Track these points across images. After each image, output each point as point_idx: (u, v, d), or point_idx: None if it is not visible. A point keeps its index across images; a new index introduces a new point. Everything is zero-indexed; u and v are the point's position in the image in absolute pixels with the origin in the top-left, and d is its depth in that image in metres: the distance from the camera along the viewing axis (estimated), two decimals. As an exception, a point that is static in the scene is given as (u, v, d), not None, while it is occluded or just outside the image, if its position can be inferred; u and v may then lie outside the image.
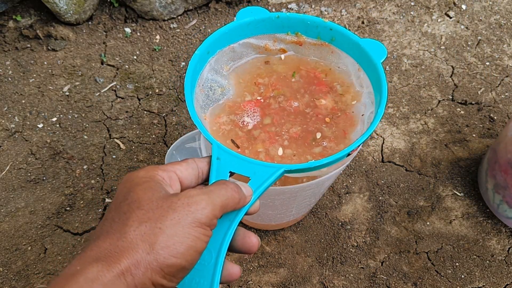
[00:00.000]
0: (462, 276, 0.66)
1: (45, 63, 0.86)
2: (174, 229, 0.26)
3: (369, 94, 0.47)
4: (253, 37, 0.49)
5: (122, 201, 0.27)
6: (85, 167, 0.75)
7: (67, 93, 0.83)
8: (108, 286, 0.23)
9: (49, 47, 0.88)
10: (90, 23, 0.91)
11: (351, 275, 0.65)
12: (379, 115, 0.40)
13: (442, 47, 0.90)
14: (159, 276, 0.25)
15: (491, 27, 0.93)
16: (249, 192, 0.32)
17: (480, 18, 0.94)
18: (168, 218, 0.26)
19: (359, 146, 0.38)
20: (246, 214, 0.32)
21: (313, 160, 0.36)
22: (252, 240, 0.32)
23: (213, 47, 0.45)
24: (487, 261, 0.67)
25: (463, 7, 0.96)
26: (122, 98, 0.83)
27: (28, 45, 0.88)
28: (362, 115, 0.46)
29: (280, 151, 0.44)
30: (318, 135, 0.45)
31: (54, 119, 0.80)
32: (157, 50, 0.89)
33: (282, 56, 0.50)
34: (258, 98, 0.48)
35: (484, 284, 0.65)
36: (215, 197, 0.28)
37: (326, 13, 0.94)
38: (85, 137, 0.78)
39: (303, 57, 0.50)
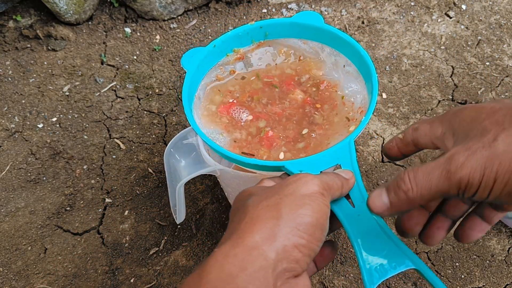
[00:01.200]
0: (462, 276, 0.66)
1: (45, 63, 0.86)
2: (291, 197, 0.29)
3: (339, 65, 0.48)
4: (205, 76, 0.50)
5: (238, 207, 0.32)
6: (85, 167, 0.75)
7: (67, 93, 0.83)
8: (251, 257, 0.26)
9: (49, 47, 0.88)
10: (90, 23, 0.91)
11: (351, 275, 0.65)
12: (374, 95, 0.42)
13: (442, 47, 0.90)
14: (297, 237, 0.27)
15: (491, 27, 0.93)
16: (349, 174, 0.34)
17: (480, 18, 0.94)
18: (284, 191, 0.29)
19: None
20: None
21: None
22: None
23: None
24: (487, 261, 0.67)
25: (463, 7, 0.96)
26: (122, 98, 0.83)
27: (28, 45, 0.88)
28: (342, 97, 0.47)
29: (282, 155, 0.45)
30: (305, 131, 0.46)
31: (54, 119, 0.80)
32: (157, 50, 0.89)
33: (232, 77, 0.51)
34: (231, 100, 0.48)
35: (484, 284, 0.65)
36: (319, 177, 0.31)
37: (326, 13, 0.94)
38: (85, 137, 0.78)
39: (253, 69, 0.51)
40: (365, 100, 0.46)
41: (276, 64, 0.51)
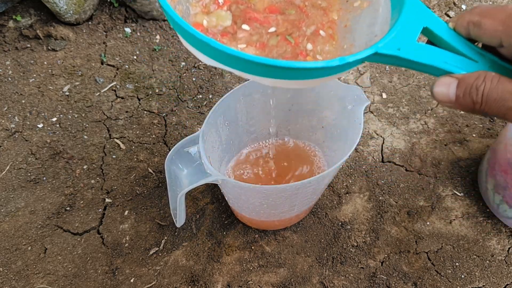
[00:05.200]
0: (462, 276, 0.66)
1: (45, 63, 0.86)
2: None
3: None
4: None
5: None
6: (85, 167, 0.75)
7: (67, 93, 0.83)
8: None
9: (49, 47, 0.88)
10: (90, 23, 0.91)
11: (351, 275, 0.65)
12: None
13: (442, 47, 0.90)
14: None
15: (491, 27, 0.93)
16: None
17: (480, 18, 0.94)
18: None
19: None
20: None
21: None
22: None
23: None
24: (487, 261, 0.67)
25: (463, 7, 0.96)
26: (122, 98, 0.83)
27: (28, 45, 0.88)
28: None
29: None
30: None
31: (54, 119, 0.80)
32: (157, 50, 0.89)
33: None
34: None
35: (484, 284, 0.65)
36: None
37: (326, 13, 0.95)
38: (85, 137, 0.78)
39: None
40: None
41: None
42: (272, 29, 0.37)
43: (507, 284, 0.65)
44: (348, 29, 0.37)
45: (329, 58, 0.33)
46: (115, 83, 0.85)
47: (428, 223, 0.70)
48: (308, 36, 0.36)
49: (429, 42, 0.34)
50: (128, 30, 0.91)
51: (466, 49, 0.31)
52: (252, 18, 0.37)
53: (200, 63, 0.87)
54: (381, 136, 0.79)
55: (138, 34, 0.91)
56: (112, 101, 0.82)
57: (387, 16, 0.34)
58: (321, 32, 0.37)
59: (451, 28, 0.32)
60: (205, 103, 0.83)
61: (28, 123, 0.79)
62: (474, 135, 0.79)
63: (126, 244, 0.68)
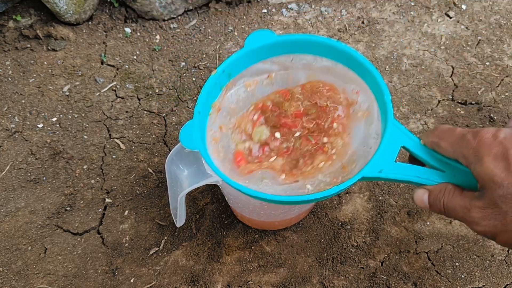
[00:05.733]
0: (462, 276, 0.66)
1: (45, 63, 0.86)
2: None
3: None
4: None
5: None
6: (85, 167, 0.75)
7: (67, 93, 0.83)
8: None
9: (49, 47, 0.88)
10: (90, 23, 0.91)
11: (351, 275, 0.65)
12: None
13: (442, 47, 0.90)
14: None
15: (491, 27, 0.93)
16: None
17: (480, 18, 0.94)
18: None
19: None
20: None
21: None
22: None
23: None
24: (487, 261, 0.67)
25: (463, 7, 0.96)
26: (122, 98, 0.83)
27: (28, 45, 0.88)
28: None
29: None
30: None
31: (54, 119, 0.80)
32: (157, 50, 0.89)
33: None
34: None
35: (484, 284, 0.65)
36: None
37: (326, 13, 0.94)
38: (85, 137, 0.78)
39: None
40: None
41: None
42: (297, 134, 0.47)
43: (507, 284, 0.66)
44: (350, 136, 0.46)
45: (339, 153, 0.45)
46: (115, 83, 0.85)
47: (428, 223, 0.70)
48: (325, 129, 0.46)
49: (410, 156, 0.43)
50: (128, 30, 0.91)
51: (435, 161, 0.40)
52: (283, 124, 0.47)
53: (200, 63, 0.87)
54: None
55: (138, 34, 0.91)
56: (112, 101, 0.82)
57: (378, 133, 0.44)
58: (335, 124, 0.46)
59: (423, 144, 0.40)
60: (205, 103, 0.83)
61: (28, 123, 0.79)
62: (474, 135, 0.79)
63: (126, 244, 0.68)
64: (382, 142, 0.41)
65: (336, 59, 0.48)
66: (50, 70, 0.86)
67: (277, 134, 0.48)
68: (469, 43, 0.91)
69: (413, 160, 0.43)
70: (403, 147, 0.41)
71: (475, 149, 0.34)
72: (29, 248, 0.67)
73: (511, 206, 0.31)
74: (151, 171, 0.74)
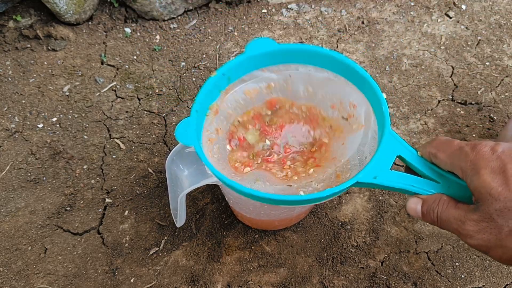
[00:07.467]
0: (462, 276, 0.66)
1: (45, 63, 0.86)
2: None
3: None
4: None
5: None
6: (85, 167, 0.75)
7: (67, 93, 0.83)
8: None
9: (49, 47, 0.88)
10: (90, 23, 0.91)
11: (351, 275, 0.65)
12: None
13: (442, 47, 0.90)
14: None
15: (491, 27, 0.93)
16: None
17: (480, 18, 0.94)
18: None
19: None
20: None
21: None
22: None
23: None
24: (487, 261, 0.67)
25: (463, 7, 0.96)
26: (122, 98, 0.83)
27: (28, 45, 0.88)
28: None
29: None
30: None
31: (54, 119, 0.80)
32: (157, 50, 0.89)
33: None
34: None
35: (484, 284, 0.65)
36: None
37: (326, 13, 0.95)
38: (85, 137, 0.78)
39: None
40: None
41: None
42: (289, 164, 0.50)
43: (507, 284, 0.66)
44: (344, 146, 0.47)
45: (326, 159, 0.46)
46: (115, 83, 0.85)
47: (428, 223, 0.70)
48: (316, 142, 0.50)
49: (406, 167, 0.43)
50: (128, 30, 0.91)
51: (431, 172, 0.40)
52: (270, 133, 0.51)
53: (200, 63, 0.87)
54: (381, 136, 0.79)
55: (138, 34, 0.91)
56: (112, 101, 0.82)
57: (374, 143, 0.45)
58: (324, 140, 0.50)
59: (420, 155, 0.41)
60: (205, 103, 0.83)
61: (28, 123, 0.79)
62: (474, 135, 0.79)
63: (126, 244, 0.68)
64: (378, 150, 0.41)
65: (335, 70, 0.48)
66: (50, 70, 0.86)
67: (267, 141, 0.51)
68: (469, 43, 0.91)
69: (409, 171, 0.43)
70: (399, 156, 0.42)
71: (472, 161, 0.34)
72: (29, 248, 0.67)
73: (506, 221, 0.31)
74: (151, 171, 0.74)
